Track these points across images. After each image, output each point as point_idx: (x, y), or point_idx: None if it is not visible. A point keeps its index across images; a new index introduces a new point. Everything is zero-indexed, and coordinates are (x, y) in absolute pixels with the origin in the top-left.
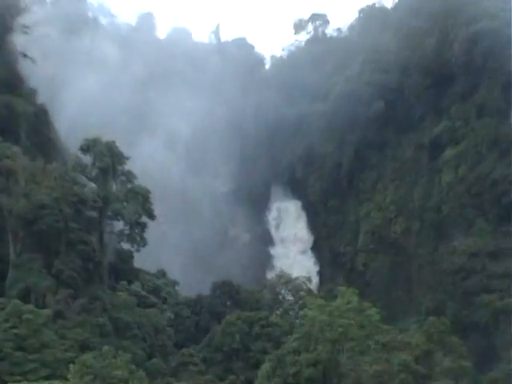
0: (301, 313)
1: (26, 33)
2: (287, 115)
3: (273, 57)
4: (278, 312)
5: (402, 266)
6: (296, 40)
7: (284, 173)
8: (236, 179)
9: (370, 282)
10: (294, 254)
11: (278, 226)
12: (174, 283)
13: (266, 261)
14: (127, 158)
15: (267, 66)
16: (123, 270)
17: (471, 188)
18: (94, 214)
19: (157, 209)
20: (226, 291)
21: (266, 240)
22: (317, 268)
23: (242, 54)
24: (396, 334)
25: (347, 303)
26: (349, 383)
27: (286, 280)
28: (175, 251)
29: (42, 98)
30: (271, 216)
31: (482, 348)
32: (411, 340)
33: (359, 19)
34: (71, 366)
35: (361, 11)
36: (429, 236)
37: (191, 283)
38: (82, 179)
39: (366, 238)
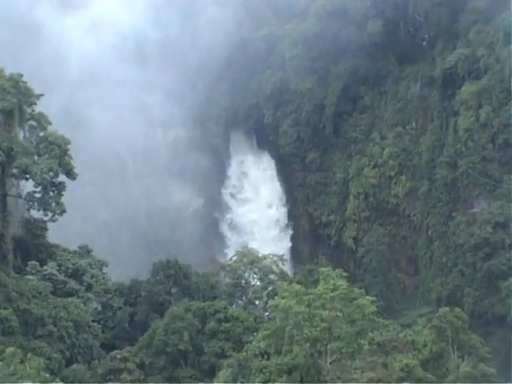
0: (270, 302)
1: None
2: (253, 40)
3: None
4: (240, 302)
5: (404, 241)
6: None
7: (248, 117)
8: (185, 125)
9: (362, 261)
10: (261, 224)
11: (239, 188)
12: (102, 264)
13: (224, 234)
14: (39, 97)
15: None
16: (33, 245)
17: (496, 136)
18: None
19: (78, 165)
20: (171, 275)
21: (225, 207)
22: (291, 243)
23: None
24: (397, 331)
25: (332, 290)
26: None
27: (250, 259)
28: (103, 222)
29: None
30: (231, 174)
31: (508, 348)
32: (417, 338)
33: None
34: None
35: None
36: (440, 200)
37: (124, 264)
38: None
39: (356, 204)
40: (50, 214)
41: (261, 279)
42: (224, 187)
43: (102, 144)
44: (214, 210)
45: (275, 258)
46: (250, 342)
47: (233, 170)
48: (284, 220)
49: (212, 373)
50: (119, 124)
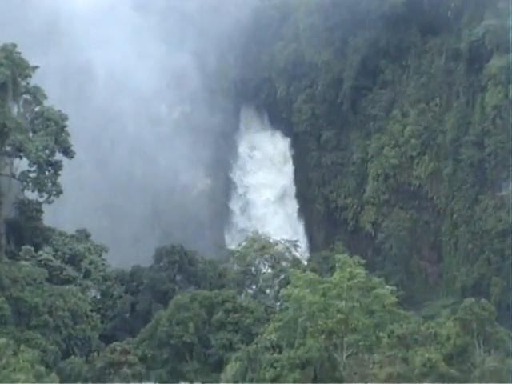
0: (283, 292)
1: None
2: (266, 8)
3: None
4: (249, 291)
5: (427, 226)
6: None
7: (259, 92)
8: (191, 100)
9: (381, 248)
10: (273, 208)
11: (250, 169)
12: (102, 249)
13: (232, 218)
14: (34, 69)
15: None
16: (28, 229)
17: None
18: None
19: (76, 143)
20: (176, 261)
21: (234, 188)
22: (305, 228)
23: None
24: (418, 323)
25: (349, 278)
26: None
27: (261, 245)
28: (103, 204)
29: None
30: (240, 154)
31: None
32: (440, 331)
33: None
34: None
35: None
36: (466, 182)
37: (126, 249)
38: None
39: (376, 186)
40: (46, 196)
41: (272, 267)
42: (233, 167)
43: (102, 120)
44: (223, 191)
45: (288, 244)
46: (261, 334)
47: (243, 148)
48: (298, 203)
49: (219, 367)
50: (121, 99)
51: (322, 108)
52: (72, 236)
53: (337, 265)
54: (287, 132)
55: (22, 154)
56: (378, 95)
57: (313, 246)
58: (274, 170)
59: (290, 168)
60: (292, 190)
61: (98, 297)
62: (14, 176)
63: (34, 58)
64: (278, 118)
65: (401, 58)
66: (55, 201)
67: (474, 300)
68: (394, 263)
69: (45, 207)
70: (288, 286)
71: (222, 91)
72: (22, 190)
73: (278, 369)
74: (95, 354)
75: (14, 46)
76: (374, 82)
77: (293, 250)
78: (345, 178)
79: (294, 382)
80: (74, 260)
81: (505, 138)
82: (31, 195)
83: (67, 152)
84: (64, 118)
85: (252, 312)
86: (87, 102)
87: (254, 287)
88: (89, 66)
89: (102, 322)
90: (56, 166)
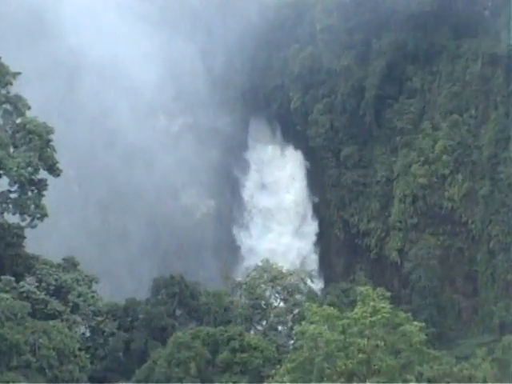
0: (296, 328)
1: None
2: (279, 7)
3: None
4: (259, 327)
5: (461, 254)
6: None
7: (271, 101)
8: (193, 111)
9: (408, 279)
10: (286, 234)
11: (260, 189)
12: (92, 280)
13: (240, 245)
14: (15, 75)
15: None
16: (8, 257)
17: None
18: None
19: (63, 159)
20: (175, 293)
21: (241, 211)
22: (322, 257)
23: None
24: (451, 364)
25: (372, 313)
26: None
27: (272, 276)
28: (93, 229)
29: None
30: (249, 172)
31: None
32: (476, 373)
33: None
34: None
35: None
36: (504, 205)
37: (119, 280)
38: None
39: (402, 209)
40: (29, 219)
41: (285, 300)
42: (241, 187)
43: (91, 135)
44: (229, 215)
45: (302, 275)
46: (272, 377)
47: (251, 166)
48: (314, 228)
49: None
50: (113, 109)
51: (342, 120)
52: (58, 265)
53: (358, 298)
54: (302, 147)
55: (1, 172)
56: (405, 105)
57: (331, 276)
58: (286, 190)
59: (304, 188)
60: (307, 212)
61: (88, 334)
62: None
63: (18, 52)
64: (292, 131)
65: (431, 63)
66: (39, 225)
67: None
68: (423, 296)
69: (27, 232)
70: (303, 322)
71: (228, 100)
72: (2, 213)
73: None
74: None
75: None
76: (401, 90)
77: (308, 281)
78: (367, 199)
79: None
80: (60, 292)
81: None
82: (12, 218)
83: (53, 169)
84: (49, 130)
85: (262, 351)
86: (75, 104)
87: (264, 323)
88: (78, 60)
89: (91, 363)
90: (40, 186)
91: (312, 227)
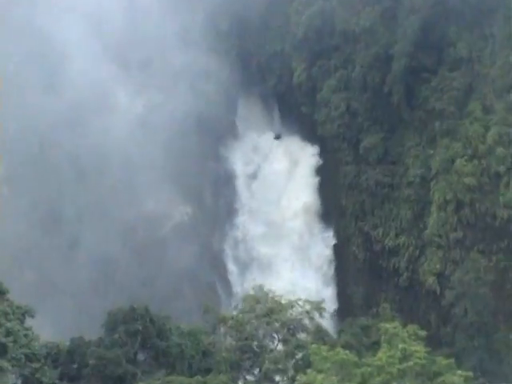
0: (300, 379)
1: None
2: None
3: None
4: (250, 377)
5: None
6: None
7: (267, 75)
8: (162, 87)
9: (451, 313)
10: (286, 252)
11: (251, 192)
12: (25, 312)
13: (224, 265)
14: None
15: None
16: None
17: None
18: None
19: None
20: (137, 331)
21: (226, 221)
22: (335, 282)
23: None
24: None
25: (402, 359)
26: None
27: (267, 308)
28: (30, 244)
29: None
30: (237, 168)
31: None
32: None
33: None
34: None
35: None
36: None
37: (62, 313)
38: None
39: (443, 219)
40: None
41: (284, 341)
42: (226, 189)
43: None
44: (210, 225)
45: (308, 306)
46: None
47: (240, 160)
48: (324, 244)
49: None
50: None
51: (362, 100)
52: None
53: (383, 338)
54: (309, 135)
55: None
56: (446, 80)
57: (346, 309)
58: (288, 192)
59: (312, 190)
60: (315, 223)
61: None
62: None
63: None
64: (295, 113)
65: (481, 23)
66: None
67: None
68: (471, 336)
69: None
70: (308, 371)
71: (210, 72)
72: None
73: None
74: None
75: None
76: (441, 60)
77: (316, 315)
78: (396, 206)
79: None
80: None
81: None
82: None
83: None
84: None
85: None
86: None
87: (256, 372)
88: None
89: None
90: None
91: (322, 242)
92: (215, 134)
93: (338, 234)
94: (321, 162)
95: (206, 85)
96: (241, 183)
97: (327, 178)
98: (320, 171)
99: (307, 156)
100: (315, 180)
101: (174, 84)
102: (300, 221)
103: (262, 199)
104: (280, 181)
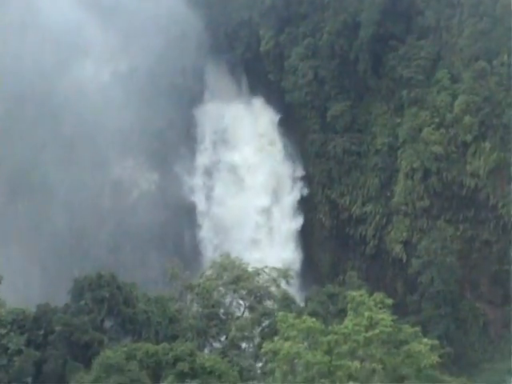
0: (267, 346)
1: None
2: None
3: None
4: (216, 344)
5: (487, 249)
6: None
7: (234, 43)
8: (129, 55)
9: (417, 282)
10: (253, 219)
11: (218, 159)
12: None
13: (191, 233)
14: None
15: None
16: None
17: None
18: None
19: None
20: (104, 298)
21: (193, 189)
22: (302, 251)
23: None
24: None
25: (368, 327)
26: None
27: (234, 275)
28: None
29: None
30: (204, 136)
31: None
32: None
33: None
34: None
35: None
36: None
37: (29, 280)
38: None
39: (410, 187)
40: None
41: (251, 308)
42: (193, 156)
43: None
44: (177, 193)
45: (275, 274)
46: None
47: (207, 128)
48: (291, 212)
49: None
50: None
51: (330, 68)
52: None
53: (349, 306)
54: (276, 103)
55: None
56: (414, 49)
57: (313, 277)
58: (254, 161)
59: (279, 158)
60: (282, 191)
61: None
62: None
63: None
64: (262, 81)
65: None
66: None
67: None
68: (437, 305)
69: None
70: (275, 338)
71: (177, 40)
72: None
73: None
74: None
75: None
76: (409, 28)
77: (283, 282)
78: (363, 174)
79: None
80: None
81: None
82: None
83: None
84: None
85: (219, 377)
86: None
87: (222, 339)
88: None
89: None
90: None
91: (288, 210)
92: (182, 101)
93: (305, 202)
94: (287, 129)
95: (174, 53)
96: (208, 151)
97: (294, 146)
98: (287, 139)
99: (274, 124)
100: (282, 148)
101: (142, 52)
102: (267, 187)
103: (230, 168)
104: (246, 149)
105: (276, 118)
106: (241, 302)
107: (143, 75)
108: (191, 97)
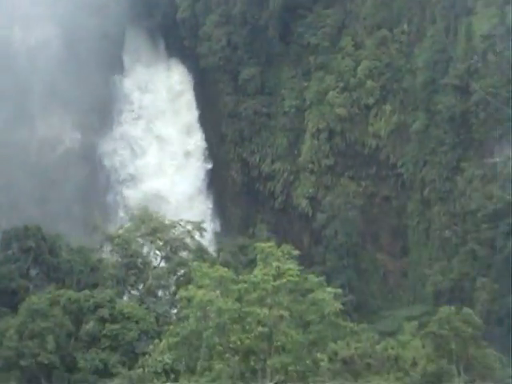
0: (181, 294)
1: None
2: None
3: None
4: (134, 292)
5: (387, 204)
6: None
7: (153, 10)
8: (54, 21)
9: (322, 234)
10: (169, 176)
11: (137, 118)
12: None
13: (112, 189)
14: None
15: None
16: None
17: None
18: None
19: None
20: (30, 248)
21: (114, 147)
22: (215, 205)
23: None
24: (373, 341)
25: (276, 277)
26: None
27: (151, 227)
28: None
29: None
30: (124, 96)
31: None
32: (404, 353)
33: None
34: None
35: None
36: (443, 143)
37: None
38: None
39: (316, 146)
40: None
41: (167, 258)
42: (114, 115)
43: None
44: (98, 151)
45: (189, 227)
46: (149, 354)
47: (127, 89)
48: (204, 169)
49: None
50: None
51: (242, 34)
52: None
53: (258, 257)
54: (192, 67)
55: None
56: (320, 17)
57: (225, 229)
58: (172, 119)
59: (194, 118)
60: (198, 149)
61: None
62: None
63: None
64: (179, 47)
65: None
66: None
67: (451, 309)
68: (340, 256)
69: None
70: (189, 286)
71: (98, 6)
72: None
73: None
74: None
75: None
76: None
77: (197, 234)
78: (272, 134)
79: None
80: None
81: (499, 80)
82: None
83: None
84: None
85: (137, 322)
86: None
87: (140, 287)
88: None
89: None
90: None
91: (203, 166)
92: (104, 65)
93: (218, 159)
94: (202, 92)
95: (96, 20)
96: (128, 111)
97: (209, 107)
98: (202, 100)
99: (190, 87)
100: (196, 108)
101: (67, 19)
102: (183, 144)
103: (149, 123)
104: (163, 109)
105: (192, 81)
106: (157, 252)
107: (68, 41)
108: (112, 61)
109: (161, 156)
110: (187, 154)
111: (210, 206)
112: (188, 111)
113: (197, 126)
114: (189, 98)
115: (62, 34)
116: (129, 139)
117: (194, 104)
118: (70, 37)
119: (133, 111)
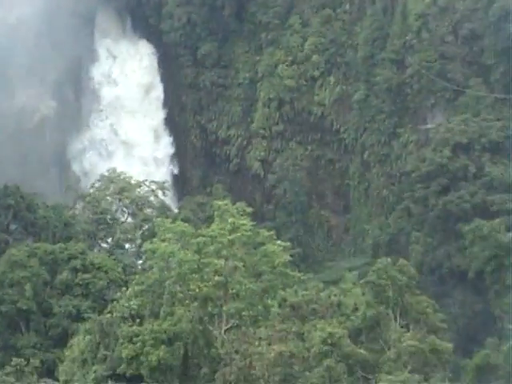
0: (146, 246)
1: None
2: None
3: None
4: (104, 245)
5: (331, 166)
6: None
7: None
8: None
9: (272, 193)
10: (135, 140)
11: (106, 89)
12: None
13: (83, 153)
14: None
15: None
16: None
17: (460, 26)
18: None
19: None
20: (9, 205)
21: (85, 114)
22: (176, 167)
23: None
24: (318, 289)
25: (231, 231)
26: (230, 373)
27: (119, 187)
28: None
29: None
30: (95, 70)
31: (468, 314)
32: (346, 300)
33: None
34: None
35: None
36: (381, 112)
37: None
38: None
39: (267, 114)
40: None
41: (133, 215)
42: (85, 87)
43: None
44: (71, 118)
45: (153, 186)
46: (117, 301)
47: (97, 63)
48: (167, 134)
49: (63, 341)
50: None
51: (201, 13)
52: None
53: (215, 213)
54: (156, 43)
55: None
56: None
57: (186, 189)
58: (137, 90)
59: (158, 89)
60: (160, 117)
61: None
62: None
63: None
64: (144, 24)
65: None
66: None
67: (389, 260)
68: (289, 213)
69: None
70: (153, 240)
71: None
72: None
73: (139, 344)
74: None
75: None
76: None
77: (160, 193)
78: (228, 103)
79: (159, 361)
80: None
81: (432, 55)
82: None
83: None
84: None
85: (106, 272)
86: None
87: (109, 240)
88: None
89: None
90: None
91: (165, 132)
92: (76, 41)
93: (179, 126)
94: (165, 65)
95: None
96: (98, 82)
97: (171, 79)
98: (164, 73)
99: (153, 60)
100: (160, 81)
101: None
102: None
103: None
104: (130, 81)
105: (156, 55)
106: (125, 209)
107: (44, 18)
108: (84, 37)
109: (128, 122)
110: (151, 121)
111: (173, 167)
112: (152, 82)
113: (160, 95)
114: (153, 70)
115: (40, 13)
116: (99, 106)
117: (157, 76)
118: (47, 16)
119: (101, 82)
